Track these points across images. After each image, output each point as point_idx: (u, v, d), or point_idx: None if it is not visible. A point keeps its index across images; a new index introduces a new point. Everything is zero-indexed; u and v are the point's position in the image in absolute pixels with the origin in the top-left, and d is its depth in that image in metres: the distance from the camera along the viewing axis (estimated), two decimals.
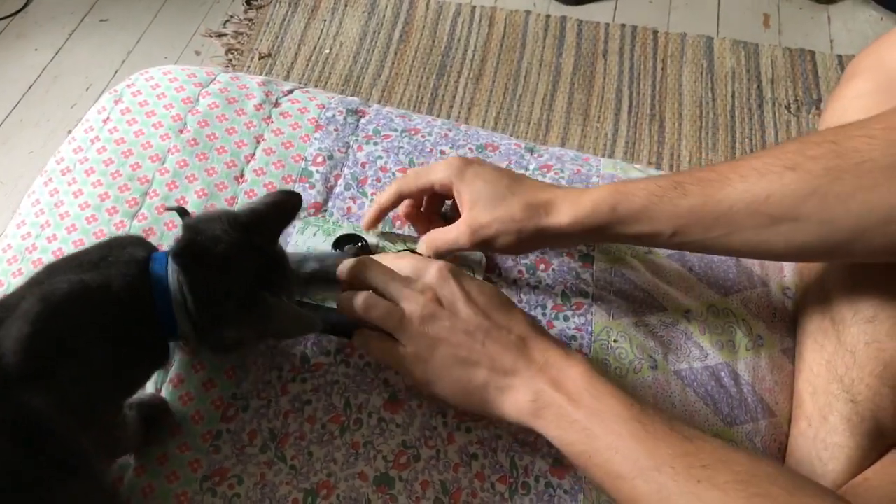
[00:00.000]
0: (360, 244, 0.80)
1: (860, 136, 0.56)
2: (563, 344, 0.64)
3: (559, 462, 0.69)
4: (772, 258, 0.78)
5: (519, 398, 0.59)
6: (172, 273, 0.60)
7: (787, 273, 0.83)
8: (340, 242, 0.80)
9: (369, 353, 0.71)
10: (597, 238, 0.76)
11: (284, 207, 0.66)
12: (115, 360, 0.59)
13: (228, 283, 0.61)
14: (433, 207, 0.81)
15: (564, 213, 0.68)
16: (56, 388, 0.53)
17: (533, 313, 0.78)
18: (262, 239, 0.64)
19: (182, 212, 0.66)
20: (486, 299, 0.63)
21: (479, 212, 0.70)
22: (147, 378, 0.68)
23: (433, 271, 0.64)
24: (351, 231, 0.81)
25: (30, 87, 2.03)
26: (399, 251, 0.80)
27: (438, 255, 0.73)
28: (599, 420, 0.56)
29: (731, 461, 0.51)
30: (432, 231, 0.75)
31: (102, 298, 0.57)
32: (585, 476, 0.67)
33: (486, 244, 0.71)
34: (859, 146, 0.56)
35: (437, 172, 0.73)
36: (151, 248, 0.64)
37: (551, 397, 0.58)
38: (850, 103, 0.75)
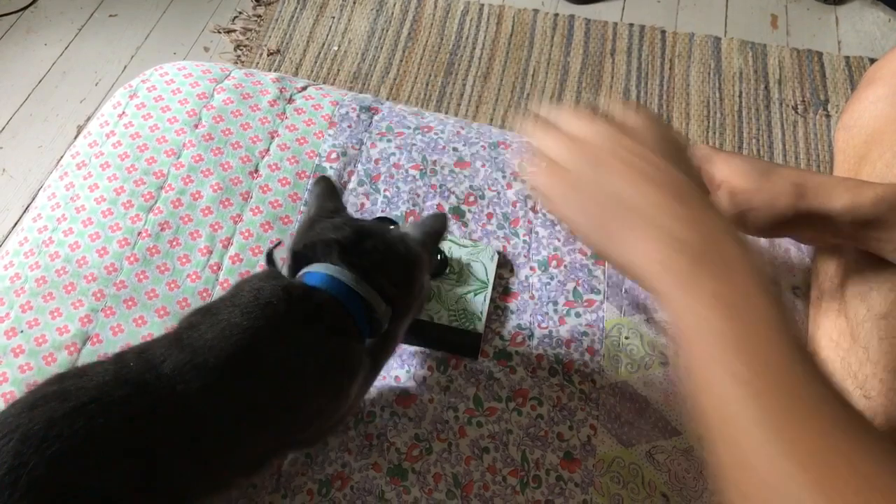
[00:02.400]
0: (439, 255, 0.81)
1: None
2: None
3: (570, 455, 0.70)
4: None
5: (649, 247, 0.46)
6: (345, 278, 0.60)
7: (796, 273, 0.83)
8: None
9: (533, 181, 0.55)
10: (857, 234, 0.66)
11: (332, 189, 0.69)
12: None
13: (391, 255, 0.63)
14: None
15: (839, 198, 0.64)
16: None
17: (545, 309, 0.79)
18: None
19: (269, 257, 0.66)
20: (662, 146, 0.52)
21: (740, 181, 0.65)
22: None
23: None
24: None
25: (39, 82, 2.04)
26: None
27: None
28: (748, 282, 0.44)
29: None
30: None
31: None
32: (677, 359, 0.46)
33: (739, 216, 0.65)
34: None
35: None
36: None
37: (700, 244, 0.45)
38: (867, 107, 0.76)
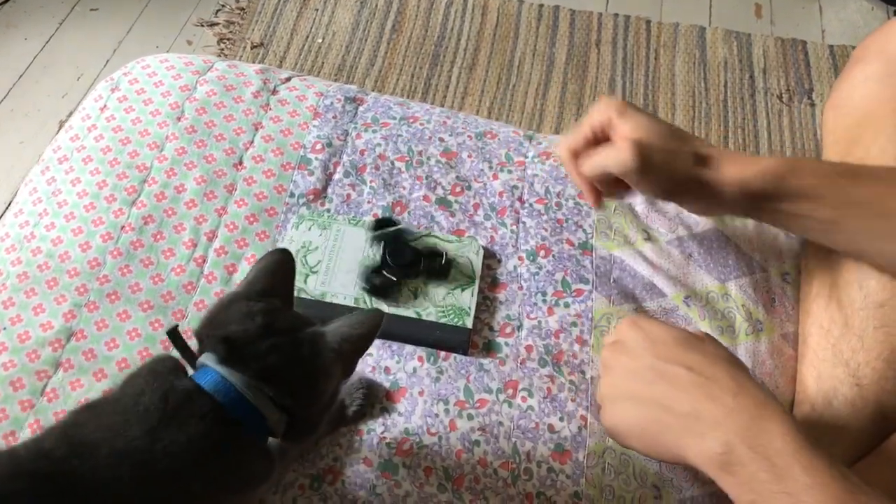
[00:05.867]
0: (396, 226, 0.79)
1: None
2: (759, 387, 0.56)
3: (561, 447, 0.70)
4: None
5: (705, 446, 0.53)
6: (235, 381, 0.55)
7: (786, 259, 0.83)
8: (378, 225, 0.81)
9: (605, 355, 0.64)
10: (748, 206, 0.69)
11: (280, 267, 0.62)
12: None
13: (292, 360, 0.57)
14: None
15: (729, 171, 0.65)
16: None
17: (533, 300, 0.78)
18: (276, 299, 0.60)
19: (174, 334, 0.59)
20: (668, 339, 0.60)
21: (645, 135, 0.66)
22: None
23: (623, 323, 0.63)
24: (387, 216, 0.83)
25: (20, 77, 2.01)
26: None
27: (597, 173, 0.69)
28: (811, 497, 0.48)
29: None
30: (591, 154, 0.70)
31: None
32: None
33: (643, 167, 0.66)
34: None
35: (592, 114, 0.70)
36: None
37: (746, 456, 0.51)
38: (857, 87, 0.76)
